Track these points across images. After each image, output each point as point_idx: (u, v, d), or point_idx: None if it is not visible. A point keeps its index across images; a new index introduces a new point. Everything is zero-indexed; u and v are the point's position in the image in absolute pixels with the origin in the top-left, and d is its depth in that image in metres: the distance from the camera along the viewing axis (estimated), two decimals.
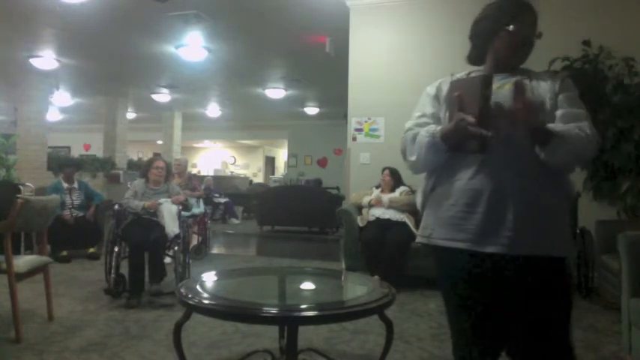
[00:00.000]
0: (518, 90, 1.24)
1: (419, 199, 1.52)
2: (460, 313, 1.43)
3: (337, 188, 10.94)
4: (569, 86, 1.41)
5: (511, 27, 1.39)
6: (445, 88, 1.46)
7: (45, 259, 3.12)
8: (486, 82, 1.25)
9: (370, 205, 4.46)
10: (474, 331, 1.40)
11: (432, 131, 1.39)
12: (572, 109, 1.37)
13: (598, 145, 1.34)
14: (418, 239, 1.51)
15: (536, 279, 1.32)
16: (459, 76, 1.48)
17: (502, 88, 1.37)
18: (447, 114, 1.40)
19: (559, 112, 1.36)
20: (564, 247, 1.34)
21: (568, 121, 1.34)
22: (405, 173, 4.69)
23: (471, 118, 1.23)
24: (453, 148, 1.34)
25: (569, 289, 1.43)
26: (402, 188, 4.51)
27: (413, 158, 1.45)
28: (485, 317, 1.39)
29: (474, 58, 1.55)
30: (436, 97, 1.51)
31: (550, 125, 1.31)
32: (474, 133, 1.24)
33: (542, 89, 1.40)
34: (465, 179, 1.36)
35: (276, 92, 10.01)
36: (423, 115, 1.50)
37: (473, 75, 1.42)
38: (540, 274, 1.32)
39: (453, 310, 1.46)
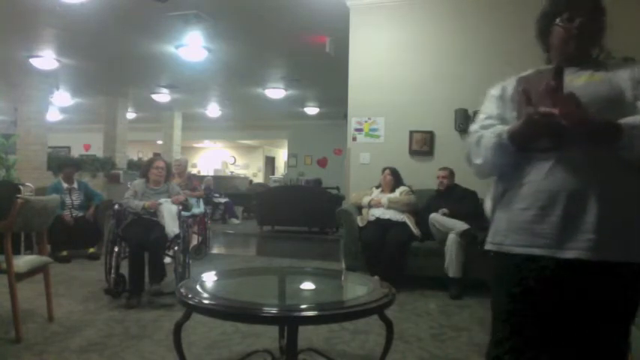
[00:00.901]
0: (557, 86, 1.18)
1: (488, 205, 1.44)
2: (523, 323, 1.30)
3: (337, 188, 10.94)
4: None
5: (558, 20, 1.34)
6: (510, 88, 1.40)
7: (45, 259, 3.12)
8: (558, 73, 1.21)
9: (370, 205, 4.46)
10: (534, 342, 1.30)
11: (498, 132, 1.31)
12: None
13: None
14: (488, 246, 1.39)
15: (614, 288, 1.22)
16: (525, 74, 1.40)
17: (571, 82, 1.28)
18: (515, 113, 1.33)
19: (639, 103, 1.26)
20: None
21: None
22: (405, 173, 4.69)
23: (545, 109, 1.16)
24: (522, 148, 1.27)
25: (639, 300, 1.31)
26: (402, 188, 4.51)
27: (479, 161, 1.37)
28: (549, 327, 1.29)
29: (546, 58, 1.48)
30: (501, 97, 1.43)
31: (624, 119, 1.19)
32: (548, 125, 1.18)
33: (621, 78, 1.29)
34: (538, 180, 1.26)
35: (276, 92, 10.01)
36: (488, 117, 1.42)
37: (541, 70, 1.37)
38: (619, 283, 1.22)
39: (513, 320, 1.31)
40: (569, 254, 1.21)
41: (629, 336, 1.29)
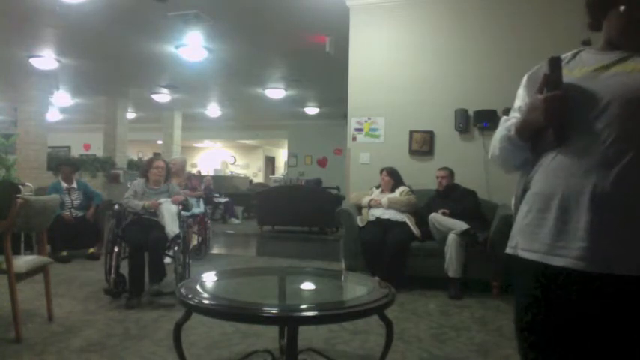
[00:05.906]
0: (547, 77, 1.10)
1: (512, 203, 1.32)
2: (533, 336, 1.18)
3: (337, 188, 10.94)
4: None
5: (621, 8, 1.16)
6: (540, 73, 1.20)
7: (45, 259, 3.12)
8: (552, 64, 1.13)
9: (370, 206, 4.46)
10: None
11: (508, 125, 1.23)
12: None
13: None
14: (507, 250, 1.26)
15: (618, 304, 1.05)
16: (563, 56, 1.24)
17: (607, 69, 1.14)
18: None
19: None
20: None
21: None
22: (405, 173, 4.69)
23: (544, 95, 1.10)
24: (530, 142, 1.19)
25: None
26: (402, 188, 4.50)
27: (490, 155, 1.34)
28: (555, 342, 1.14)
29: (593, 28, 1.29)
30: (525, 86, 1.30)
31: None
32: (551, 116, 1.10)
33: None
34: (540, 180, 1.15)
35: (276, 92, 10.01)
36: (514, 110, 1.29)
37: (581, 53, 1.24)
38: (623, 298, 1.04)
39: (526, 333, 1.20)
40: (557, 261, 1.09)
41: None
